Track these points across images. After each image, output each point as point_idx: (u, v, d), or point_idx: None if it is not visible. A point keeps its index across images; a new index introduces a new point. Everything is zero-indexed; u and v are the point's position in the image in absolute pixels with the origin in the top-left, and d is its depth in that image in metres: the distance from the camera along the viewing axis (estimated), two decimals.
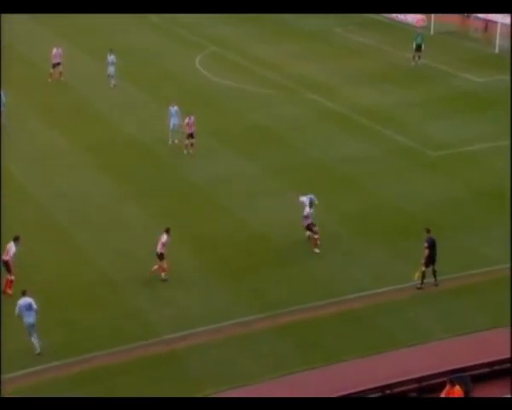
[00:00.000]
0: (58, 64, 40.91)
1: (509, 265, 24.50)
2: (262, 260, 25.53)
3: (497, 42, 46.20)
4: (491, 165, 31.92)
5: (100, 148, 33.81)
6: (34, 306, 20.73)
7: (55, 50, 40.93)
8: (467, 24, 52.34)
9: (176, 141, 33.78)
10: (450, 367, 19.34)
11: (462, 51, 46.91)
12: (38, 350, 20.76)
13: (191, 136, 32.87)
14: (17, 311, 20.86)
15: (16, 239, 23.61)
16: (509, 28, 47.58)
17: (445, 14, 52.05)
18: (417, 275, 23.56)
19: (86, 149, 33.50)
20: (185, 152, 33.00)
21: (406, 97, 39.51)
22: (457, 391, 18.31)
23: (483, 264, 24.87)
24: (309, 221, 25.57)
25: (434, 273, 23.60)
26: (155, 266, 24.20)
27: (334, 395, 18.78)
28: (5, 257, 23.34)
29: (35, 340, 20.73)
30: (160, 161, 32.71)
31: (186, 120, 32.82)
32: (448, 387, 18.36)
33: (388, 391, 19.17)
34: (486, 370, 19.81)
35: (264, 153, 33.30)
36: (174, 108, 33.69)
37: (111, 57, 40.13)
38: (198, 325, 22.16)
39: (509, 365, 19.77)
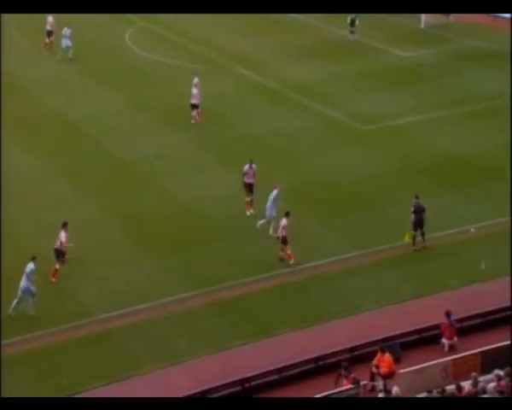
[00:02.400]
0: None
1: (434, 235, 25.20)
2: (194, 236, 25.62)
3: (423, 17, 46.96)
4: (419, 138, 32.62)
5: (26, 124, 33.22)
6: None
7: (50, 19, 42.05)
8: None
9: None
10: (380, 336, 19.89)
11: (390, 27, 47.51)
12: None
13: (195, 106, 33.02)
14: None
15: (65, 225, 23.39)
16: None
17: None
18: (407, 237, 24.55)
19: (11, 126, 32.80)
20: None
21: (336, 72, 39.90)
22: (387, 358, 18.90)
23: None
24: (284, 233, 23.90)
25: (423, 236, 24.71)
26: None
27: (270, 369, 19.10)
28: (58, 246, 23.24)
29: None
30: (88, 138, 32.31)
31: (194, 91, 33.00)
32: (379, 355, 18.94)
33: (321, 362, 19.60)
34: (415, 337, 20.45)
35: (195, 128, 33.20)
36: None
37: (68, 31, 40.87)
38: (132, 303, 22.16)
39: (436, 331, 20.44)
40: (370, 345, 19.69)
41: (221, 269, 23.79)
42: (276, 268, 23.82)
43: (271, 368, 19.22)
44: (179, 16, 48.31)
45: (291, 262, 23.91)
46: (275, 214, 25.06)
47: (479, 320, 20.90)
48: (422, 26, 46.86)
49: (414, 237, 24.71)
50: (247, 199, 26.38)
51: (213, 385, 18.48)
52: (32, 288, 21.56)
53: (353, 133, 32.90)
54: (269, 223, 25.36)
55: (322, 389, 17.88)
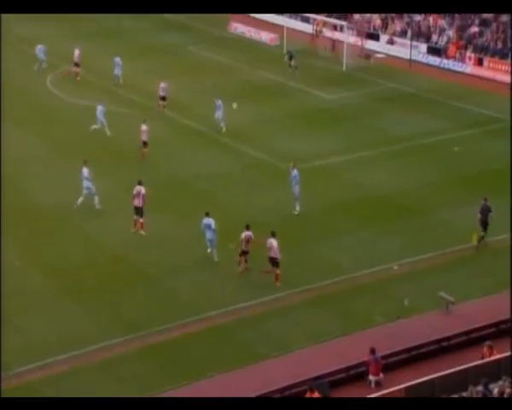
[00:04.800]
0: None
1: (357, 273, 25.65)
2: (120, 280, 25.31)
3: (344, 60, 48.28)
4: (343, 177, 33.30)
5: None
6: (213, 226, 25.68)
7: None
8: (316, 43, 54.31)
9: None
10: (309, 375, 19.98)
11: (314, 70, 48.62)
12: (216, 259, 25.72)
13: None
14: (202, 227, 25.79)
15: (140, 183, 27.52)
16: (353, 48, 49.90)
17: (296, 34, 53.96)
18: (474, 237, 26.52)
19: None
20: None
21: (259, 113, 40.50)
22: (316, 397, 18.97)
23: (336, 273, 25.81)
24: (277, 255, 24.24)
25: (483, 237, 26.76)
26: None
27: None
28: (138, 202, 27.26)
29: (214, 251, 25.84)
30: (8, 183, 31.68)
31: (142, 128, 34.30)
32: (308, 394, 18.99)
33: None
34: (343, 375, 20.64)
35: (118, 170, 33.04)
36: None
37: (117, 59, 43.74)
38: (55, 353, 21.45)
39: (363, 368, 20.69)
40: (301, 384, 19.74)
41: (147, 313, 23.52)
42: (204, 310, 23.71)
43: None
44: (100, 58, 48.28)
45: (278, 284, 24.15)
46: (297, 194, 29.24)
47: (404, 356, 21.26)
48: (344, 69, 48.15)
49: (481, 237, 26.66)
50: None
51: None
52: None
53: (276, 173, 33.25)
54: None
55: None
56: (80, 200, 29.10)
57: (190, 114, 40.02)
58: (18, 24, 57.30)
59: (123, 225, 28.44)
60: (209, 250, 26.32)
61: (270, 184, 32.29)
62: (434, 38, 51.42)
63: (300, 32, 55.88)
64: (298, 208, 29.35)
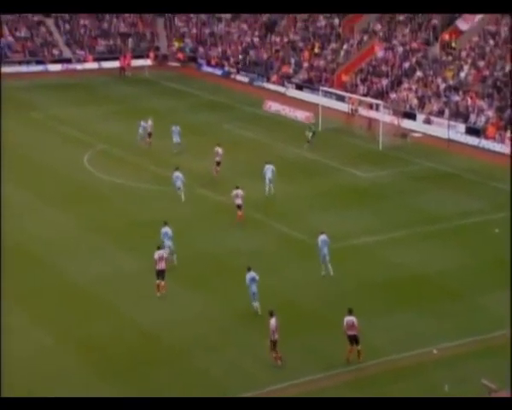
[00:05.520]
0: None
1: (394, 357, 24.90)
2: (152, 358, 24.93)
3: (380, 139, 48.36)
4: (378, 257, 32.81)
5: None
6: (257, 278, 26.99)
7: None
8: (352, 121, 54.68)
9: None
10: None
11: (348, 147, 48.74)
12: (260, 312, 26.69)
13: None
14: (247, 282, 26.96)
15: (159, 247, 28.94)
16: (389, 127, 50.10)
17: (331, 112, 54.41)
18: None
19: None
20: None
21: (293, 190, 40.43)
22: None
23: (374, 355, 25.13)
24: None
25: None
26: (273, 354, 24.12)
27: None
28: (161, 266, 28.27)
29: (257, 304, 26.99)
30: (40, 263, 31.76)
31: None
32: None
33: None
34: None
35: (149, 248, 32.92)
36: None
37: (176, 128, 45.55)
38: None
39: None
40: None
41: (182, 393, 23.00)
42: (235, 391, 23.08)
43: None
44: (135, 137, 48.93)
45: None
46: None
47: None
48: (380, 147, 48.18)
49: None
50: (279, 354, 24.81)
51: None
52: None
53: (310, 252, 32.86)
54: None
55: None
56: (174, 257, 30.89)
57: (224, 190, 39.98)
58: (47, 105, 58.88)
59: (156, 303, 28.26)
60: (255, 304, 26.98)
61: (301, 262, 31.84)
62: (473, 117, 51.36)
63: (336, 110, 56.34)
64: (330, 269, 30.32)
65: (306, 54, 65.15)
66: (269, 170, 38.96)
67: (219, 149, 41.61)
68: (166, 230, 31.04)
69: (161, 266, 28.68)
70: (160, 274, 28.71)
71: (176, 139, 45.51)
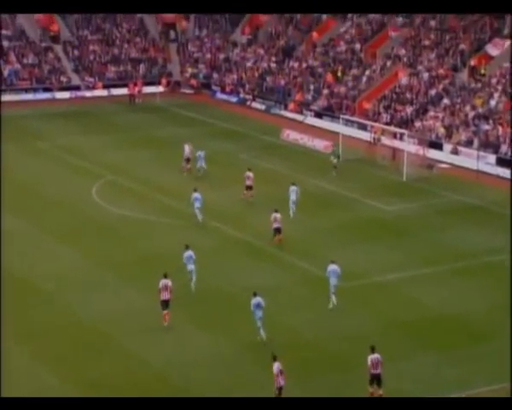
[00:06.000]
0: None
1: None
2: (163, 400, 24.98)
3: (405, 170, 48.42)
4: (402, 295, 32.78)
5: None
6: (262, 304, 27.91)
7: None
8: (374, 151, 54.76)
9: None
10: None
11: (370, 178, 48.84)
12: (265, 339, 27.77)
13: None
14: (252, 308, 27.91)
15: (166, 276, 29.66)
16: (414, 157, 50.18)
17: (352, 141, 54.61)
18: None
19: None
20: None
21: (312, 224, 40.57)
22: None
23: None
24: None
25: None
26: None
27: None
28: (165, 296, 29.14)
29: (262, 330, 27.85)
30: (49, 299, 32.09)
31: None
32: None
33: None
34: None
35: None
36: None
37: (201, 153, 47.76)
38: None
39: None
40: None
41: None
42: None
43: None
44: (147, 166, 49.28)
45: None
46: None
47: None
48: (404, 179, 48.24)
49: None
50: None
51: None
52: None
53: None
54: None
55: None
56: (192, 283, 32.07)
57: (241, 224, 40.12)
58: (55, 134, 59.63)
59: (167, 342, 28.45)
60: (261, 331, 27.65)
61: (324, 301, 31.88)
62: (504, 148, 51.36)
63: (357, 139, 56.56)
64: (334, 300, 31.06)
65: (329, 77, 65.17)
66: (293, 192, 40.41)
67: (250, 174, 43.24)
68: (190, 253, 32.07)
69: (165, 296, 29.34)
70: (164, 304, 29.38)
71: (200, 164, 47.41)
